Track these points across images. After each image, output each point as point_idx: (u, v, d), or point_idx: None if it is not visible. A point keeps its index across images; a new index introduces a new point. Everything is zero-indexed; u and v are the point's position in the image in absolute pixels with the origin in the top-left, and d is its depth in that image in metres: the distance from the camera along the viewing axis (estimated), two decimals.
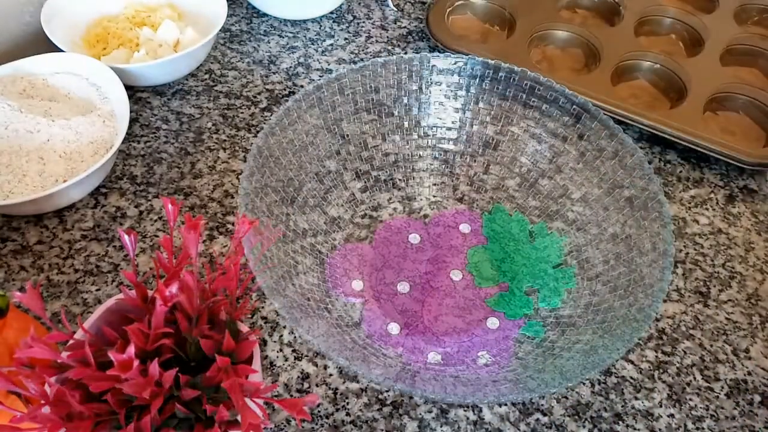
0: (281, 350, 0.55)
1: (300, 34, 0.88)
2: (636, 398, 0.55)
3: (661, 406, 0.54)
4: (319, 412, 0.52)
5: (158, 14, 0.80)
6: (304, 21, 0.90)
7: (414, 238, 0.63)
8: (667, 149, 0.76)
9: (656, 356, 0.57)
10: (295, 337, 0.56)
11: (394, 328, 0.57)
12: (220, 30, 0.77)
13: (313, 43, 0.87)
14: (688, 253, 0.66)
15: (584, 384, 0.55)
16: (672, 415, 0.54)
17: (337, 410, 0.52)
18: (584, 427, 0.52)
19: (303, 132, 0.59)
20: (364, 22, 0.91)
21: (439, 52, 0.80)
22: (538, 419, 0.53)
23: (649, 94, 0.81)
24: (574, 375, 0.45)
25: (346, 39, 0.88)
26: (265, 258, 0.50)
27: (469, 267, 0.61)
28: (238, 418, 0.38)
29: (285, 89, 0.80)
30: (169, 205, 0.41)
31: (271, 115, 0.62)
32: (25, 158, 0.61)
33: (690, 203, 0.71)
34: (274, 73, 0.82)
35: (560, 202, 0.62)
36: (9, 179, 0.59)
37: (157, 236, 0.62)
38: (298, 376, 0.54)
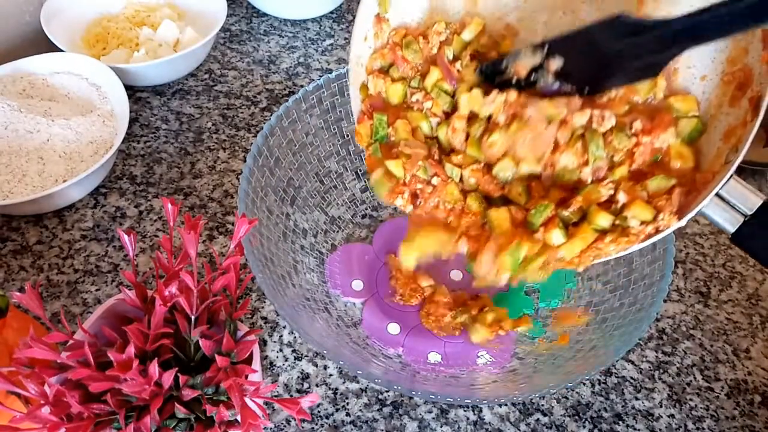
0: (281, 350, 0.55)
1: (300, 33, 0.88)
2: (636, 398, 0.54)
3: (661, 407, 0.54)
4: (319, 412, 0.52)
5: (158, 14, 0.80)
6: (304, 21, 0.90)
7: None
8: None
9: (656, 356, 0.57)
10: (295, 337, 0.56)
11: (394, 328, 0.56)
12: (219, 30, 0.77)
13: (313, 43, 0.87)
14: (688, 253, 0.66)
15: (584, 384, 0.55)
16: (672, 416, 0.54)
17: (337, 410, 0.52)
18: (584, 427, 0.52)
19: (303, 132, 0.59)
20: None
21: None
22: (538, 419, 0.53)
23: None
24: (574, 375, 0.45)
25: (346, 39, 0.88)
26: (265, 258, 0.50)
27: (469, 267, 0.61)
28: (238, 417, 0.38)
29: (285, 89, 0.80)
30: (169, 205, 0.41)
31: (270, 115, 0.62)
32: (24, 158, 0.61)
33: None
34: (274, 73, 0.82)
35: None
36: (9, 179, 0.59)
37: (156, 236, 0.62)
38: (298, 376, 0.54)
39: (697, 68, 0.41)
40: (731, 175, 0.37)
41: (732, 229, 0.39)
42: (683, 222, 0.39)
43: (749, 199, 0.38)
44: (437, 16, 0.48)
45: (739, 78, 0.39)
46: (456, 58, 0.47)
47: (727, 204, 0.38)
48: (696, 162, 0.41)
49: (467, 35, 0.47)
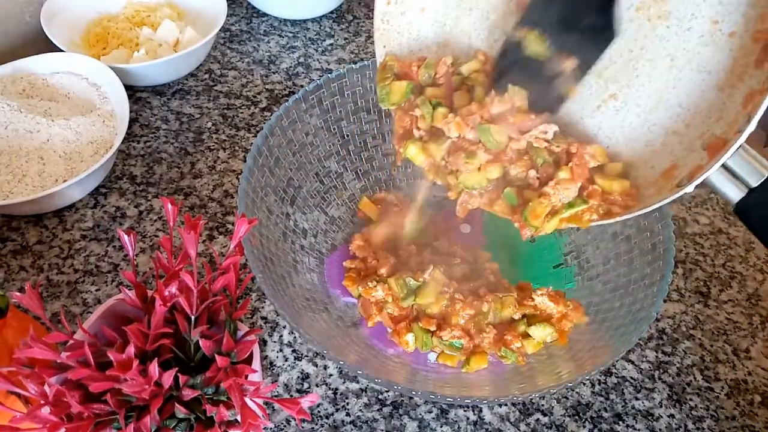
0: (281, 350, 0.55)
1: (300, 33, 0.88)
2: (636, 398, 0.54)
3: (661, 407, 0.54)
4: (319, 412, 0.52)
5: (158, 14, 0.80)
6: (304, 21, 0.90)
7: None
8: None
9: (656, 356, 0.57)
10: (294, 337, 0.56)
11: None
12: (219, 30, 0.77)
13: (313, 43, 0.87)
14: (688, 253, 0.66)
15: (584, 384, 0.55)
16: (672, 416, 0.54)
17: (337, 410, 0.52)
18: (584, 427, 0.52)
19: (303, 132, 0.59)
20: (364, 21, 0.91)
21: None
22: (538, 419, 0.53)
23: None
24: (574, 375, 0.45)
25: (346, 39, 0.88)
26: (265, 258, 0.50)
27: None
28: (238, 418, 0.38)
29: (285, 89, 0.80)
30: (169, 205, 0.41)
31: (270, 115, 0.62)
32: (24, 158, 0.61)
33: (690, 203, 0.71)
34: (274, 73, 0.82)
35: None
36: (9, 179, 0.59)
37: (156, 236, 0.62)
38: (298, 376, 0.54)
39: (725, 23, 0.40)
40: (741, 145, 0.36)
41: (736, 200, 0.38)
42: (690, 188, 0.38)
43: (756, 171, 0.38)
44: (447, 50, 0.52)
45: (767, 38, 0.38)
46: (456, 88, 0.51)
47: (733, 175, 0.38)
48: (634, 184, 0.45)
49: (465, 69, 0.51)
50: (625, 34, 0.45)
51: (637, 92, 0.46)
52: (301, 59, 0.84)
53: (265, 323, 0.57)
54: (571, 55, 0.44)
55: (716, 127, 0.40)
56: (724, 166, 0.38)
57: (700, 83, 0.42)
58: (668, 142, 0.44)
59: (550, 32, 0.44)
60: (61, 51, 0.71)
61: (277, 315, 0.58)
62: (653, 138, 0.45)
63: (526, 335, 0.52)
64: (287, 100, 0.57)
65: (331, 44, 0.87)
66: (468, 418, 0.52)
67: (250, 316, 0.57)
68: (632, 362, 0.57)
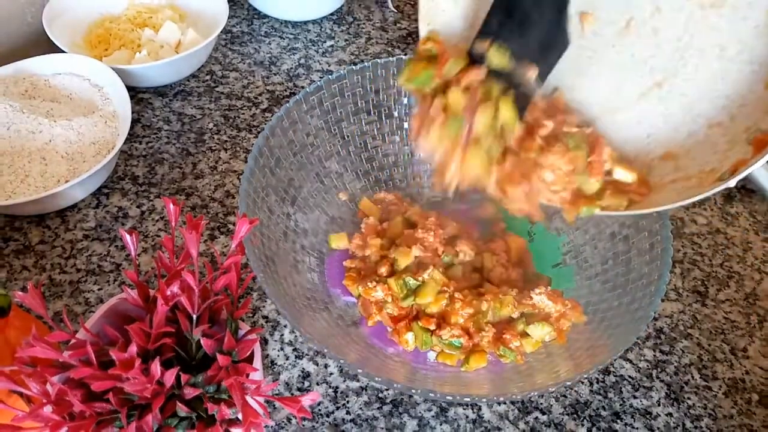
0: (282, 349, 0.56)
1: (301, 35, 0.88)
2: (634, 397, 0.55)
3: (659, 405, 0.54)
4: (319, 410, 0.52)
5: (160, 15, 0.80)
6: (305, 22, 0.91)
7: None
8: None
9: (654, 355, 0.58)
10: (295, 336, 0.57)
11: None
12: (221, 31, 0.78)
13: (313, 45, 0.87)
14: (686, 253, 0.66)
15: (583, 383, 0.55)
16: (670, 414, 0.54)
17: (338, 408, 0.52)
18: (583, 425, 0.53)
19: (304, 132, 0.60)
20: (364, 23, 0.92)
21: None
22: (537, 417, 0.53)
23: None
24: (572, 374, 0.45)
25: (346, 40, 0.89)
26: (266, 257, 0.50)
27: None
28: (239, 416, 0.38)
29: (286, 90, 0.80)
30: (171, 206, 0.42)
31: (271, 116, 0.62)
32: (27, 159, 0.61)
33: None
34: (275, 74, 0.82)
35: None
36: (11, 179, 0.60)
37: (158, 236, 0.63)
38: (299, 375, 0.54)
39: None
40: None
41: None
42: (733, 182, 0.38)
43: None
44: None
45: None
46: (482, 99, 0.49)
47: None
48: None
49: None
50: (674, 21, 0.43)
51: (684, 82, 0.44)
52: (302, 60, 0.84)
53: (266, 322, 0.57)
54: (532, 64, 0.44)
55: (763, 122, 0.39)
56: None
57: (749, 76, 0.40)
58: (712, 134, 0.43)
59: (510, 43, 0.44)
60: (63, 52, 0.71)
61: (278, 314, 0.58)
62: (697, 129, 0.44)
63: (524, 334, 0.52)
64: (288, 101, 0.58)
65: (332, 46, 0.87)
66: (467, 417, 0.53)
67: (251, 315, 0.58)
68: (630, 361, 0.57)
